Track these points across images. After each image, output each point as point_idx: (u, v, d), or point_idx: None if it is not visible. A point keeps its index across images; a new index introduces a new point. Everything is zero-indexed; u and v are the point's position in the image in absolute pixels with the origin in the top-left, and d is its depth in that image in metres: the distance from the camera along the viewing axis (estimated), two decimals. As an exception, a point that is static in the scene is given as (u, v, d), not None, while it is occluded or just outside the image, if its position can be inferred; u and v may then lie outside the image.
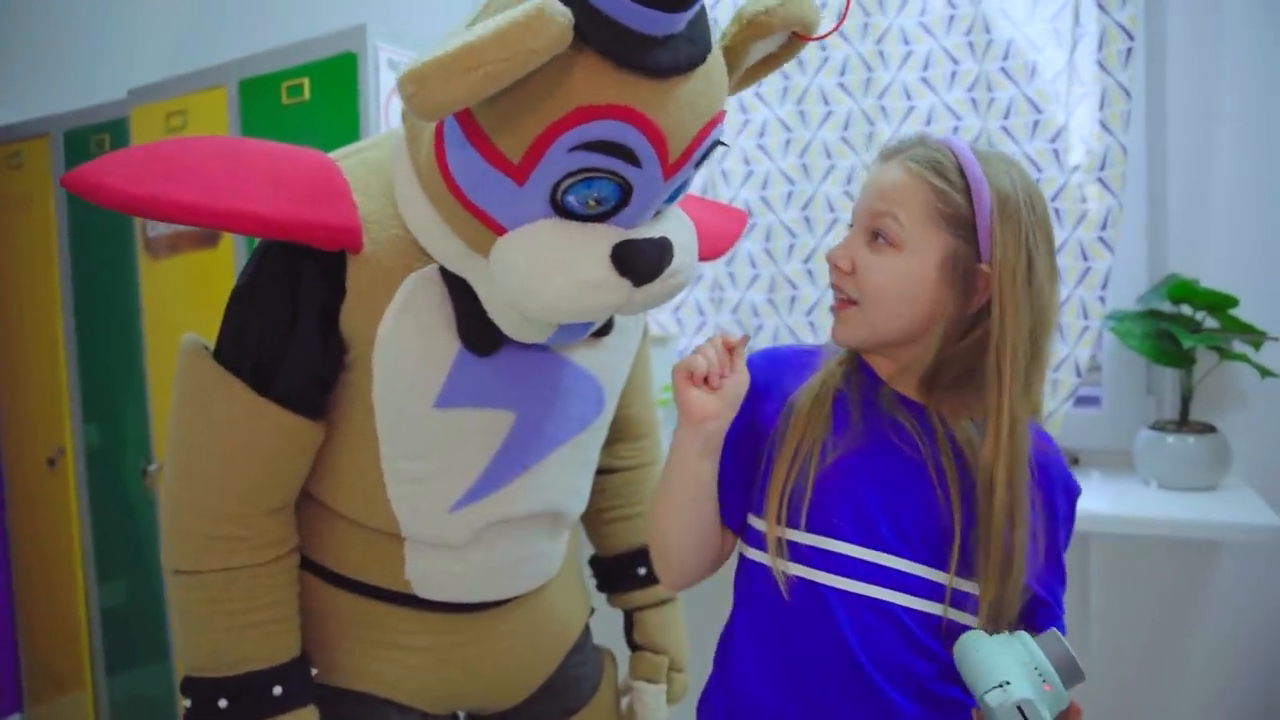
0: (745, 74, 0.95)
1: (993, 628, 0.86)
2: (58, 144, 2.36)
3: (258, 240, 0.96)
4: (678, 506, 0.92)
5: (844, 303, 0.92)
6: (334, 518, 1.03)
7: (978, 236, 0.86)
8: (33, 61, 2.59)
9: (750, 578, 0.93)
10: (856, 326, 0.91)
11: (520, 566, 1.10)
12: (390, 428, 0.96)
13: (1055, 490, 0.93)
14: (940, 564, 0.86)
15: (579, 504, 1.14)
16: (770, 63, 0.95)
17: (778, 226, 1.88)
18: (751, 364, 0.93)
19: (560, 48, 0.71)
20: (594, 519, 1.29)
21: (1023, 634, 0.81)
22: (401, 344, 0.92)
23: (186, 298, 2.01)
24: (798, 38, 0.91)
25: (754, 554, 0.93)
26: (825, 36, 0.93)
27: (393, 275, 0.91)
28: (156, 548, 2.16)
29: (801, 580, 0.87)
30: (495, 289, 0.89)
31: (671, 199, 0.90)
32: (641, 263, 0.83)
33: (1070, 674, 0.78)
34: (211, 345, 0.95)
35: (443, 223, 0.89)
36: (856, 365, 0.95)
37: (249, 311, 0.94)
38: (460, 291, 0.93)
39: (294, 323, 0.92)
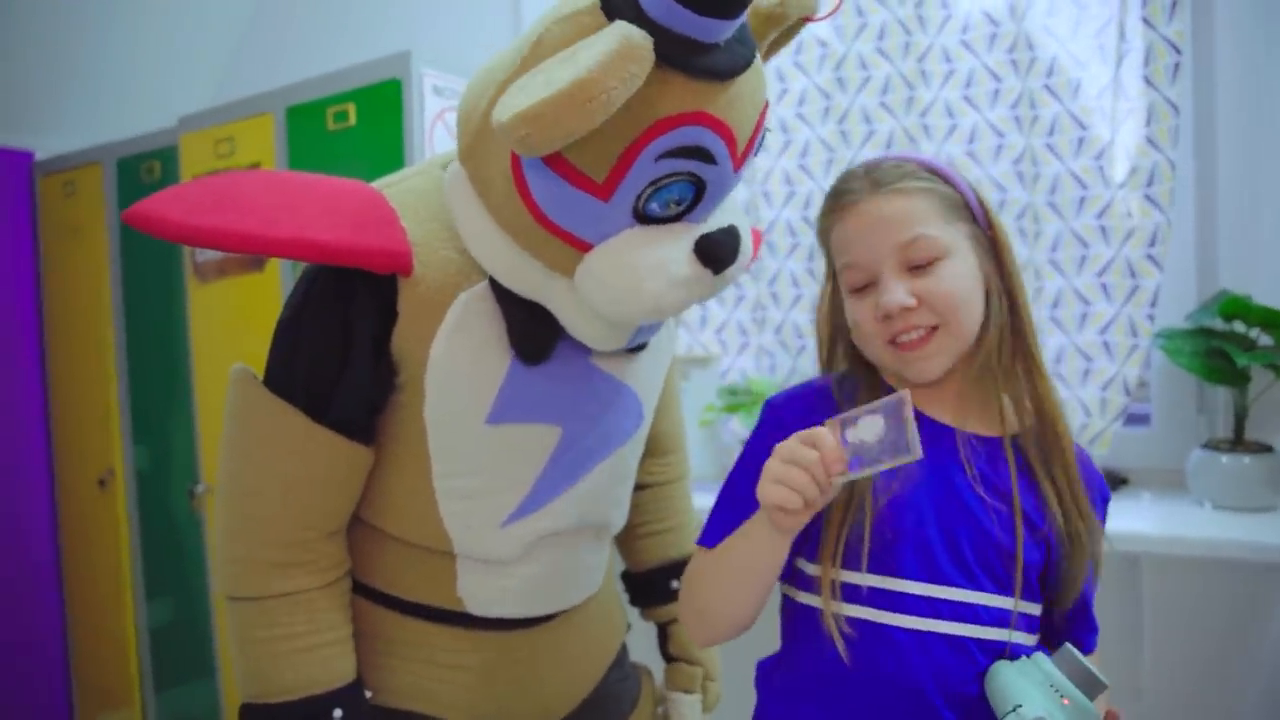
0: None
1: (1044, 641, 0.88)
2: (110, 172, 2.41)
3: (303, 266, 0.98)
4: (744, 586, 0.90)
5: (922, 338, 0.89)
6: (384, 539, 1.04)
7: (972, 212, 0.92)
8: (85, 91, 2.66)
9: (802, 621, 0.91)
10: (943, 350, 0.90)
11: (568, 579, 1.11)
12: (443, 447, 0.98)
13: (1094, 491, 0.94)
14: (999, 589, 0.86)
15: (621, 516, 1.16)
16: (775, 47, 0.99)
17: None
18: (783, 411, 0.94)
19: (649, 68, 0.75)
20: (626, 535, 1.30)
21: (1038, 655, 0.84)
22: (454, 363, 0.94)
23: (233, 321, 2.04)
24: (804, 21, 0.95)
25: (805, 597, 0.91)
26: (829, 15, 0.96)
27: (444, 296, 0.93)
28: (203, 567, 2.20)
29: (864, 622, 0.86)
30: (580, 304, 0.91)
31: None
32: (722, 253, 0.88)
33: (1089, 685, 0.80)
34: (260, 374, 0.97)
35: (521, 251, 0.91)
36: (882, 395, 0.94)
37: (300, 339, 0.95)
38: (510, 303, 0.94)
39: (347, 348, 0.94)
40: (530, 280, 0.93)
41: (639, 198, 0.84)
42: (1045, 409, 0.91)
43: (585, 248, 0.87)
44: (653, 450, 1.27)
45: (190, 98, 2.61)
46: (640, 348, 1.05)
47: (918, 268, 0.88)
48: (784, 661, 0.95)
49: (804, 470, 0.78)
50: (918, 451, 0.76)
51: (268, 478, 0.95)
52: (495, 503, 1.00)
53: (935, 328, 0.89)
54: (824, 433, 0.79)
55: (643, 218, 0.86)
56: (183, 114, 2.13)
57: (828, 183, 1.86)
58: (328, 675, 0.96)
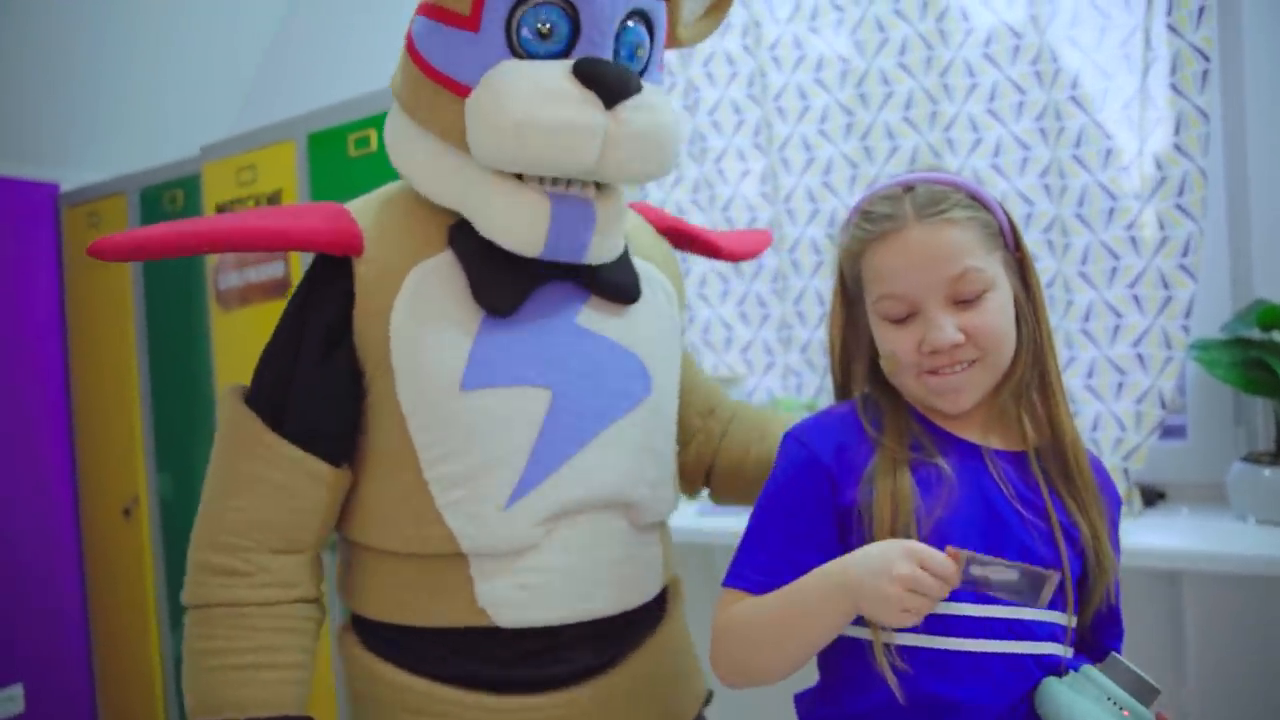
0: (696, 26, 1.04)
1: (1078, 652, 0.88)
2: (134, 202, 2.43)
3: None
4: (800, 653, 0.86)
5: (961, 371, 0.87)
6: (390, 561, 0.98)
7: (1004, 237, 0.90)
8: (109, 122, 2.69)
9: (846, 655, 0.87)
10: (979, 385, 0.88)
11: (604, 571, 1.00)
12: (424, 427, 0.94)
13: (1109, 496, 0.94)
14: (1051, 603, 0.83)
15: (654, 498, 1.05)
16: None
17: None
18: (811, 444, 0.91)
19: None
20: (731, 470, 1.21)
21: (1086, 668, 0.82)
22: (417, 331, 0.93)
23: (256, 349, 2.03)
24: None
25: (851, 630, 0.87)
26: None
27: (399, 268, 0.94)
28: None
29: (917, 650, 0.83)
30: (483, 189, 0.91)
31: (630, 56, 0.93)
32: (604, 73, 0.87)
33: (1145, 693, 0.79)
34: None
35: (426, 134, 0.94)
36: (910, 418, 0.91)
37: (268, 348, 0.99)
38: (471, 258, 0.94)
39: (297, 346, 0.96)
40: (447, 174, 0.94)
41: (509, 27, 0.87)
42: (1059, 423, 0.90)
43: (465, 91, 0.88)
44: (700, 409, 1.22)
45: (212, 127, 2.63)
46: (630, 299, 1.01)
47: (964, 302, 0.86)
48: (827, 695, 0.92)
49: (930, 602, 0.76)
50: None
51: (220, 481, 0.96)
52: (493, 481, 0.94)
53: (974, 361, 0.87)
54: (954, 570, 0.76)
55: (518, 51, 0.88)
56: (205, 143, 2.15)
57: (851, 199, 1.84)
58: (260, 699, 0.91)
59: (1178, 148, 1.54)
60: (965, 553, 0.76)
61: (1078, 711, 0.78)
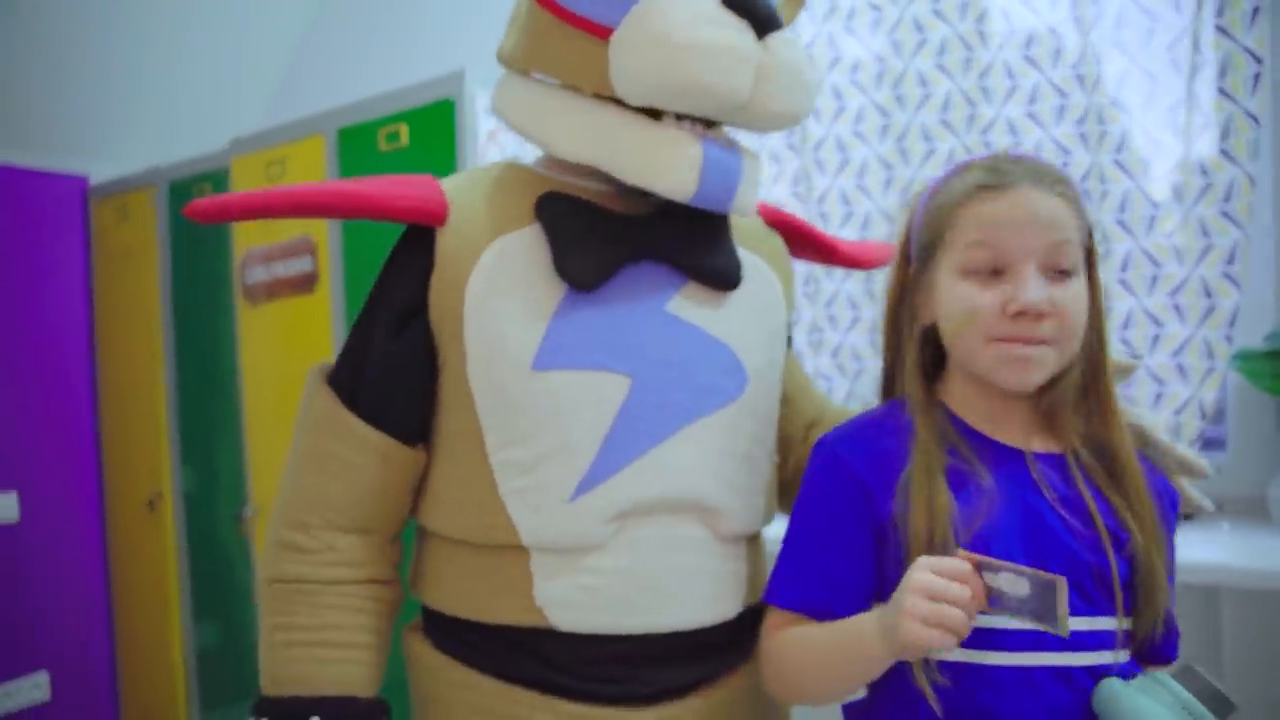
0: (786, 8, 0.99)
1: (1136, 661, 0.85)
2: (162, 195, 2.44)
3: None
4: (852, 684, 0.86)
5: (1034, 345, 0.83)
6: (455, 550, 0.94)
7: (1087, 229, 0.88)
8: (138, 115, 2.69)
9: (894, 669, 0.84)
10: (1048, 366, 0.84)
11: (674, 579, 0.92)
12: (491, 408, 0.89)
13: (1163, 498, 0.90)
14: (1096, 610, 0.82)
15: (742, 506, 0.96)
16: None
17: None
18: (844, 456, 0.88)
19: None
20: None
21: (1159, 675, 0.79)
22: (493, 302, 0.89)
23: (283, 343, 2.04)
24: None
25: None
26: None
27: (481, 239, 0.90)
28: (250, 591, 2.19)
29: (962, 666, 0.81)
30: (632, 129, 0.87)
31: None
32: (755, 2, 0.84)
33: (1221, 706, 0.76)
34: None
35: (554, 89, 0.91)
36: (947, 423, 0.88)
37: (353, 325, 0.97)
38: (558, 228, 0.90)
39: (374, 322, 0.93)
40: (586, 124, 0.89)
41: None
42: (1109, 424, 0.88)
43: (607, 32, 0.85)
44: (805, 420, 1.14)
45: (241, 120, 2.63)
46: (730, 285, 0.95)
47: (1055, 274, 0.83)
48: (874, 709, 0.90)
49: (959, 609, 0.72)
50: (1064, 631, 0.70)
51: (296, 457, 0.95)
52: (559, 470, 0.88)
53: (1047, 342, 0.83)
54: (969, 569, 0.73)
55: None
56: (234, 136, 2.14)
57: (886, 202, 1.82)
58: (319, 678, 0.89)
59: (1224, 153, 1.50)
60: (976, 556, 0.73)
61: (1145, 714, 0.75)
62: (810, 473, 0.91)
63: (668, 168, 0.87)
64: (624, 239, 0.91)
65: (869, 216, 1.85)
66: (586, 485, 0.88)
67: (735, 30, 0.83)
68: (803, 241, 1.18)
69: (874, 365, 1.84)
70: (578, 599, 0.89)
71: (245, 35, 2.76)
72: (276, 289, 2.07)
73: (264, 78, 2.86)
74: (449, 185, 0.94)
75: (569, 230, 0.89)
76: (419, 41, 2.52)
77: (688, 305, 0.93)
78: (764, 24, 0.84)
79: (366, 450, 0.91)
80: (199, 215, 0.89)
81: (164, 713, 2.55)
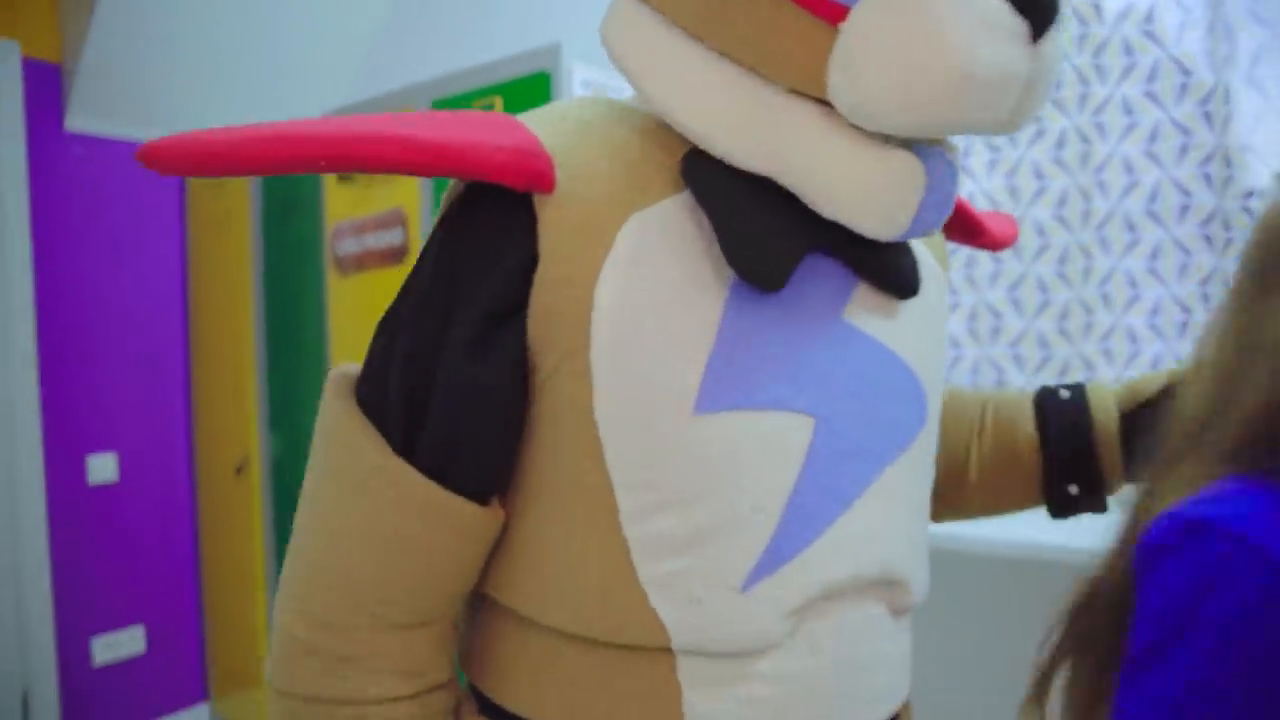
0: None
1: None
2: (256, 165, 2.47)
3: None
4: None
5: None
6: (553, 641, 0.67)
7: None
8: (234, 85, 2.73)
9: None
10: None
11: (856, 678, 0.69)
12: (630, 462, 0.62)
13: None
14: None
15: (921, 570, 0.74)
16: None
17: (983, 256, 1.78)
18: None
19: None
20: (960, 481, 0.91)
21: None
22: (635, 315, 0.61)
23: (372, 315, 2.03)
24: None
25: None
26: None
27: (608, 218, 0.62)
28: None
29: None
30: (837, 146, 0.60)
31: None
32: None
33: None
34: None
35: (740, 75, 0.61)
36: None
37: (396, 332, 0.66)
38: (720, 204, 0.62)
39: (442, 328, 0.64)
40: (758, 122, 0.61)
41: None
42: None
43: (840, 12, 0.57)
44: (974, 427, 0.92)
45: (336, 90, 2.66)
46: (911, 291, 0.70)
47: None
48: None
49: None
50: None
51: (317, 518, 0.68)
52: (729, 549, 0.63)
53: None
54: None
55: None
56: (328, 107, 2.16)
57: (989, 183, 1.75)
58: None
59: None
60: None
61: None
62: (1213, 604, 0.55)
63: (879, 203, 0.62)
64: (797, 223, 0.63)
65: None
66: (765, 568, 0.64)
67: (1012, 41, 0.56)
68: (953, 220, 0.93)
69: (972, 353, 1.78)
70: (743, 714, 0.65)
71: (340, 6, 2.78)
72: (366, 260, 2.08)
73: (357, 49, 2.88)
74: (543, 132, 0.64)
75: (736, 207, 0.62)
76: (517, 11, 2.50)
77: (862, 314, 0.68)
78: (1047, 21, 0.57)
79: (433, 521, 0.64)
80: (150, 163, 0.58)
81: (247, 674, 2.62)
